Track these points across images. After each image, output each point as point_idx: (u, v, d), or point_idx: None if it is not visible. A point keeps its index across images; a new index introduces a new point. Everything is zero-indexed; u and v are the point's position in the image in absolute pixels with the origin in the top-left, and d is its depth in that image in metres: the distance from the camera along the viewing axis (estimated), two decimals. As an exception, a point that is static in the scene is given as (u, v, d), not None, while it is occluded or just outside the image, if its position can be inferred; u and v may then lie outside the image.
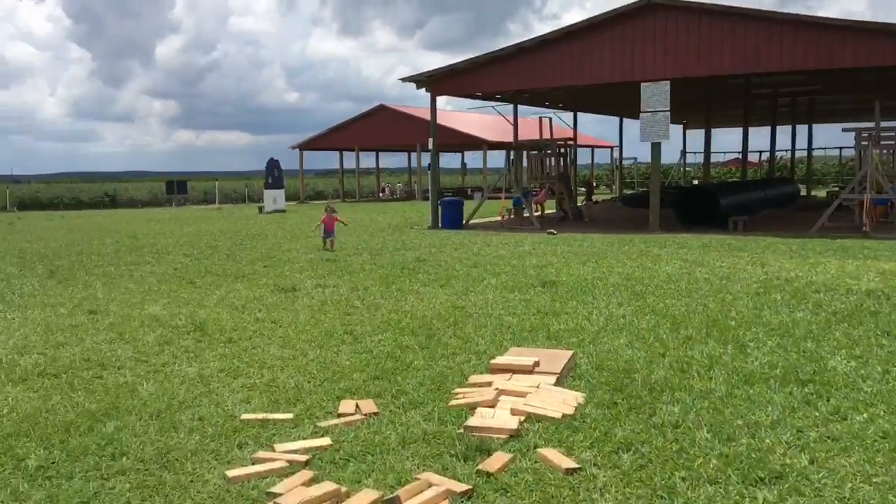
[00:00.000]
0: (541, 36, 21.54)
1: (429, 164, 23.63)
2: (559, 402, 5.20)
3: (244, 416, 5.03)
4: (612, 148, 60.74)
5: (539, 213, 24.92)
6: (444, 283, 11.08)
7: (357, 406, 5.25)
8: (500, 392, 5.38)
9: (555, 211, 27.16)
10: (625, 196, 33.61)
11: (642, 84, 20.04)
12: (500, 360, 6.06)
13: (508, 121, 27.46)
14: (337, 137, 50.69)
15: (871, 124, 21.65)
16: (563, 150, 25.88)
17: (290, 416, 5.06)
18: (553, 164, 25.37)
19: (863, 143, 20.47)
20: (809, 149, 41.57)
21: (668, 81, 19.76)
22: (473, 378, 5.84)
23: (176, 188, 45.27)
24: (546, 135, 25.77)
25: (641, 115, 20.25)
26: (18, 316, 9.04)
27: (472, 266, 13.02)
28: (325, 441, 4.57)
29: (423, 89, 23.21)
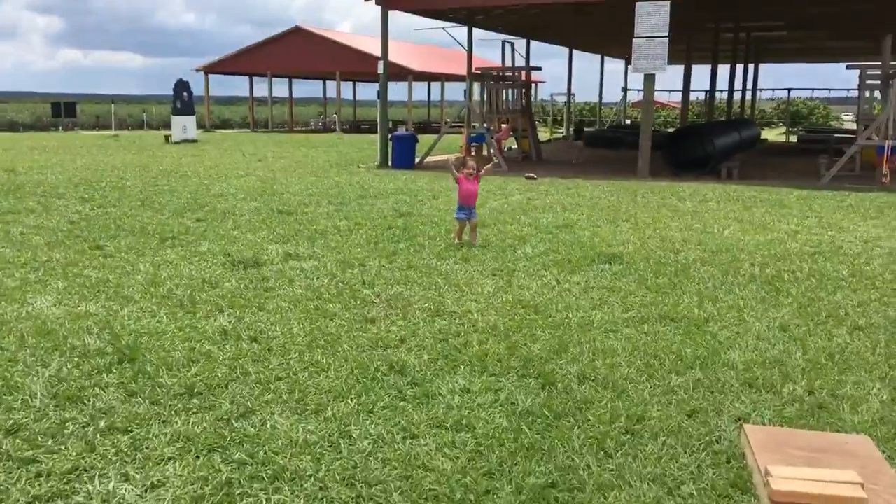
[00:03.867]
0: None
1: (378, 92, 20.06)
2: None
3: None
4: (536, 84, 57.82)
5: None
6: (465, 253, 7.96)
7: None
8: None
9: (509, 150, 24.09)
10: (591, 135, 30.69)
11: (638, 4, 17.00)
12: (783, 479, 3.00)
13: (462, 45, 24.01)
14: (246, 61, 45.77)
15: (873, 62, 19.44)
16: (527, 80, 22.70)
17: None
18: (517, 96, 22.20)
19: (868, 81, 18.27)
20: (754, 89, 39.78)
21: (668, 2, 16.82)
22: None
23: (63, 110, 39.58)
24: (508, 62, 22.54)
25: (635, 41, 17.24)
26: None
27: (478, 225, 9.91)
28: None
29: (373, 1, 19.47)
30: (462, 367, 4.47)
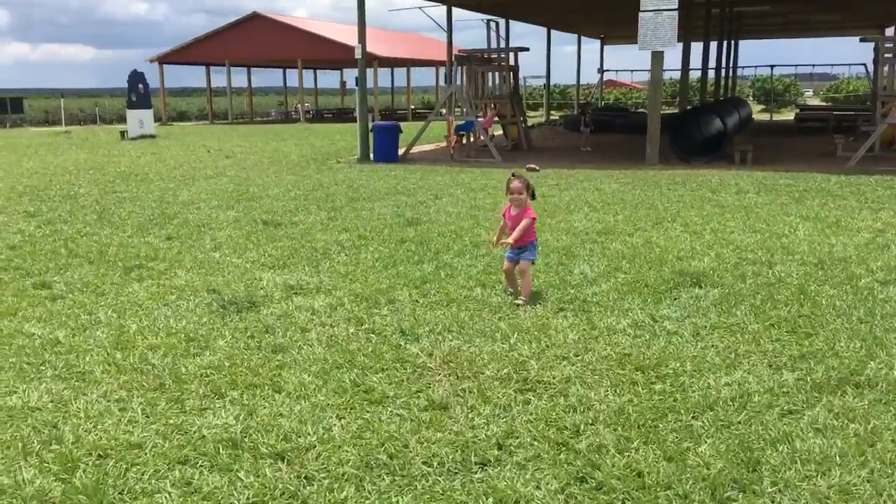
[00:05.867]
0: None
1: (356, 79, 18.28)
2: None
3: None
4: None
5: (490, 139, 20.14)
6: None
7: None
8: None
9: (491, 138, 22.37)
10: (575, 119, 29.06)
11: (644, -25, 15.47)
12: None
13: (442, 27, 22.32)
14: (203, 50, 43.36)
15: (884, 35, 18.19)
16: (515, 63, 21.05)
17: None
18: (504, 80, 20.54)
19: (886, 55, 16.97)
20: (735, 66, 38.57)
21: (677, -29, 15.31)
22: None
23: (9, 107, 36.95)
24: (493, 43, 20.88)
25: (641, 15, 15.70)
26: None
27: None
28: None
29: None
30: None
